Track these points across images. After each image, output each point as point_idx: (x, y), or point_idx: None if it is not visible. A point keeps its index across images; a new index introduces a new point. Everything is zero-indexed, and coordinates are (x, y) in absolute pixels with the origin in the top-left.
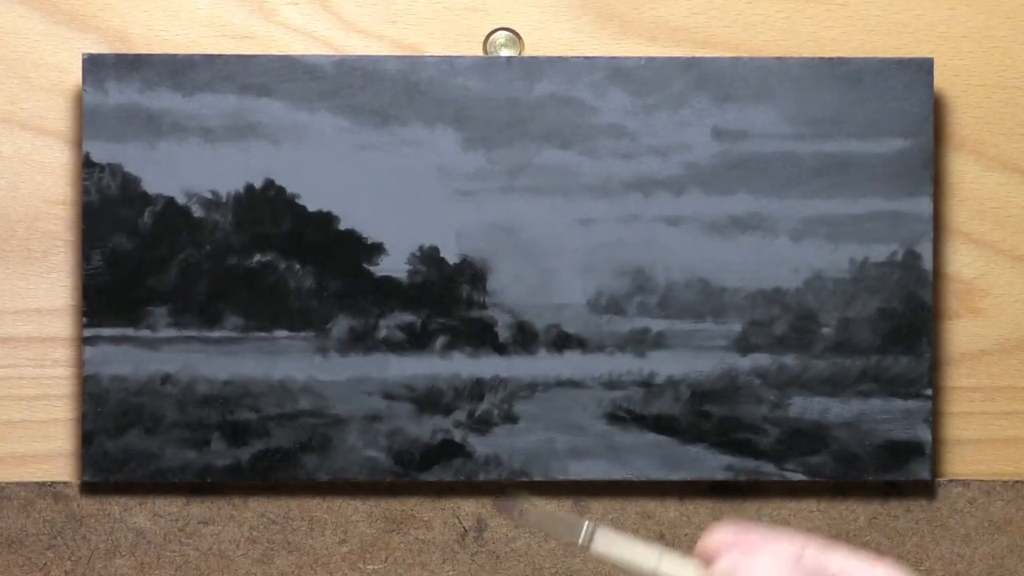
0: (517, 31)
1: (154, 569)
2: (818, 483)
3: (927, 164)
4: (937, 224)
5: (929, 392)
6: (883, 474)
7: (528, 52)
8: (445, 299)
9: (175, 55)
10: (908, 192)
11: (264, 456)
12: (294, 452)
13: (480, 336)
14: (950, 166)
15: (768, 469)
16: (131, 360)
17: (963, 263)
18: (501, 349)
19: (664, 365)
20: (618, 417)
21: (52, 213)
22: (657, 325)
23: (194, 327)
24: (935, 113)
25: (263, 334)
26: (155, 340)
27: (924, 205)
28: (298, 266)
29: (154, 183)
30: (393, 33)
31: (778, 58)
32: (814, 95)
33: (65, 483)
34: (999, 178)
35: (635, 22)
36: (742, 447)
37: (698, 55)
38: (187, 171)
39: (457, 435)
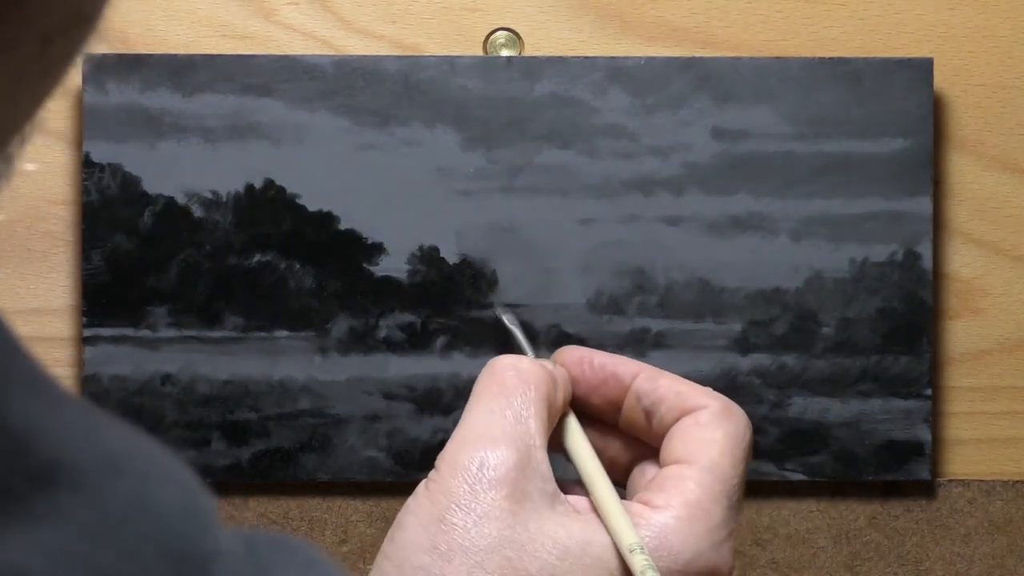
0: (517, 31)
1: None
2: (818, 483)
3: (927, 164)
4: (937, 224)
5: (929, 392)
6: (883, 474)
7: (528, 52)
8: (445, 299)
9: (175, 55)
10: (908, 192)
11: (264, 456)
12: (294, 452)
13: (480, 336)
14: (950, 166)
15: (768, 469)
16: (131, 360)
17: (963, 263)
18: (501, 349)
19: (664, 365)
20: None
21: (52, 213)
22: (657, 325)
23: (194, 327)
24: (935, 113)
25: (263, 334)
26: (155, 340)
27: (924, 205)
28: (298, 266)
29: (154, 183)
30: (393, 33)
31: (778, 58)
32: (814, 95)
33: None
34: (999, 178)
35: (635, 22)
36: None
37: (698, 55)
38: (187, 171)
39: None
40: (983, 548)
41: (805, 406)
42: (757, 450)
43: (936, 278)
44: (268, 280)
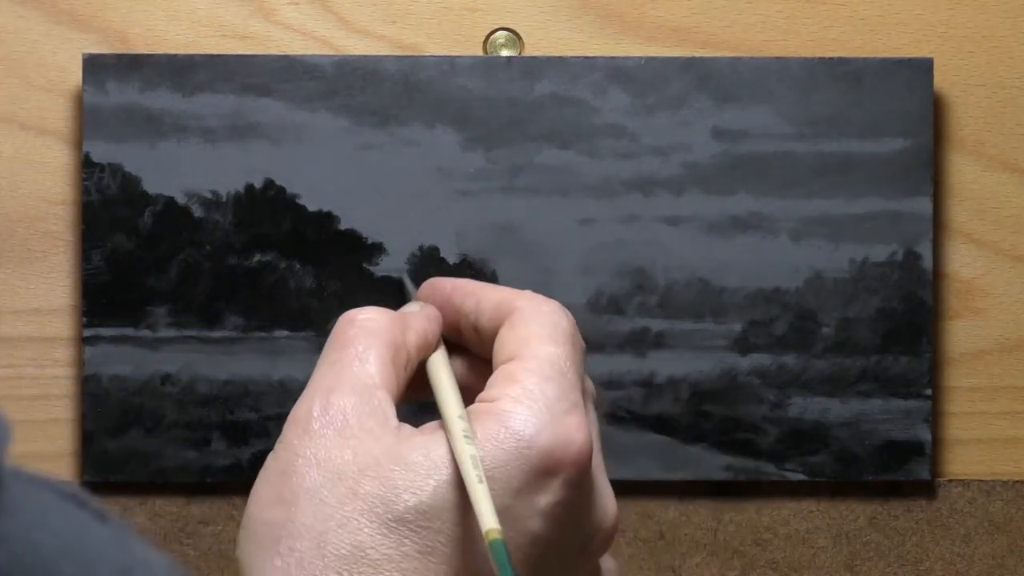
0: (517, 31)
1: None
2: (818, 483)
3: (927, 164)
4: (937, 224)
5: (929, 392)
6: (883, 474)
7: (528, 52)
8: None
9: (175, 55)
10: (908, 192)
11: (264, 456)
12: None
13: None
14: (950, 166)
15: (768, 469)
16: (131, 360)
17: (963, 263)
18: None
19: (664, 365)
20: (618, 417)
21: (52, 213)
22: (657, 325)
23: (194, 327)
24: (935, 113)
25: (263, 334)
26: (155, 340)
27: (924, 205)
28: (298, 266)
29: (154, 183)
30: (393, 33)
31: (778, 58)
32: (814, 95)
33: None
34: (999, 178)
35: (635, 22)
36: (742, 447)
37: (698, 55)
38: (187, 171)
39: None
40: (983, 548)
41: (805, 406)
42: (757, 450)
43: (936, 278)
44: (268, 280)
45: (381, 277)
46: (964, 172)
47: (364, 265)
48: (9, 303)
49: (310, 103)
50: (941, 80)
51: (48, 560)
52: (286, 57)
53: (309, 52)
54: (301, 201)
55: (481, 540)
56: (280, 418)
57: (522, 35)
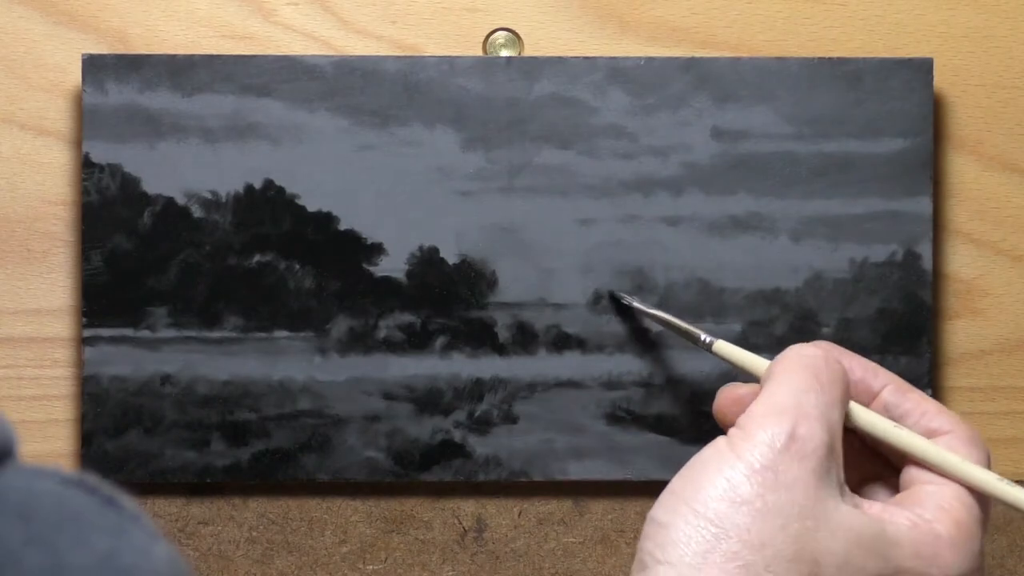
0: (517, 31)
1: None
2: None
3: (927, 164)
4: (937, 224)
5: (929, 392)
6: None
7: (528, 52)
8: (445, 299)
9: (175, 55)
10: (908, 192)
11: (264, 456)
12: (294, 452)
13: (480, 336)
14: (950, 166)
15: None
16: (131, 360)
17: (963, 263)
18: (501, 349)
19: (664, 365)
20: (618, 417)
21: (52, 213)
22: (657, 326)
23: (194, 327)
24: (935, 113)
25: (263, 334)
26: (155, 340)
27: (924, 205)
28: (298, 266)
29: (154, 183)
30: (393, 33)
31: (778, 58)
32: (814, 95)
33: None
34: (999, 178)
35: (635, 22)
36: None
37: (698, 55)
38: (187, 171)
39: (457, 435)
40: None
41: None
42: None
43: (936, 278)
44: (268, 280)
45: (381, 277)
46: (964, 172)
47: (364, 265)
48: (8, 303)
49: (310, 103)
50: (941, 80)
51: (14, 545)
52: (286, 57)
53: (309, 52)
54: (301, 201)
55: None
56: (280, 418)
57: (522, 35)
